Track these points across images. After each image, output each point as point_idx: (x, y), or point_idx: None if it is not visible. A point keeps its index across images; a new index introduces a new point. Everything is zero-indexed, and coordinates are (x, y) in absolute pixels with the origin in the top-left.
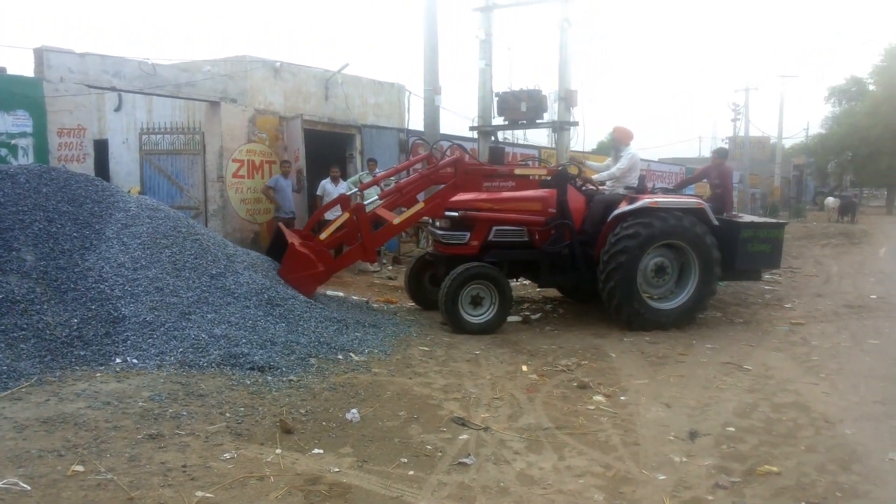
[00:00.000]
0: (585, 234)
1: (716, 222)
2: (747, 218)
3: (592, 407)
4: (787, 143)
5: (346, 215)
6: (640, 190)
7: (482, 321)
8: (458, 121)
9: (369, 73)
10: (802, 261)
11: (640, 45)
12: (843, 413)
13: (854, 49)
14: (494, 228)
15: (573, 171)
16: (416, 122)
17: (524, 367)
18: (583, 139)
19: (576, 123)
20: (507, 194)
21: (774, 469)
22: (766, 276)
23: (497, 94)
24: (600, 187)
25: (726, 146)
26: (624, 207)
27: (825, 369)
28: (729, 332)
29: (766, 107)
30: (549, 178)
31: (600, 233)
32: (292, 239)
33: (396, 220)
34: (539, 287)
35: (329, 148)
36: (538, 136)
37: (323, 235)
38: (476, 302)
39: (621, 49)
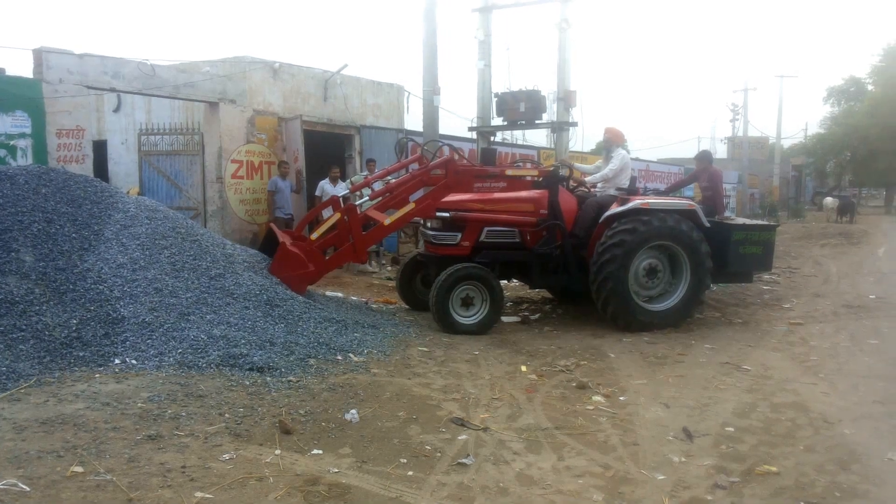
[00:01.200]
0: (577, 236)
1: (707, 224)
2: (739, 220)
3: (591, 407)
4: (786, 144)
5: (338, 216)
6: (632, 191)
7: (473, 322)
8: (457, 121)
9: (368, 74)
10: (801, 261)
11: (639, 45)
12: (842, 413)
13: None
14: (486, 229)
15: (565, 172)
16: (415, 122)
17: (523, 368)
18: (581, 140)
19: (575, 124)
20: (498, 195)
21: (773, 469)
22: (766, 277)
23: (496, 95)
24: (592, 189)
25: (709, 150)
26: (615, 209)
27: (824, 369)
28: (728, 332)
29: (764, 107)
30: (540, 179)
31: (592, 234)
32: (283, 238)
33: (387, 221)
34: (530, 288)
35: (328, 148)
36: (537, 137)
37: (314, 235)
38: (467, 303)
39: (619, 49)
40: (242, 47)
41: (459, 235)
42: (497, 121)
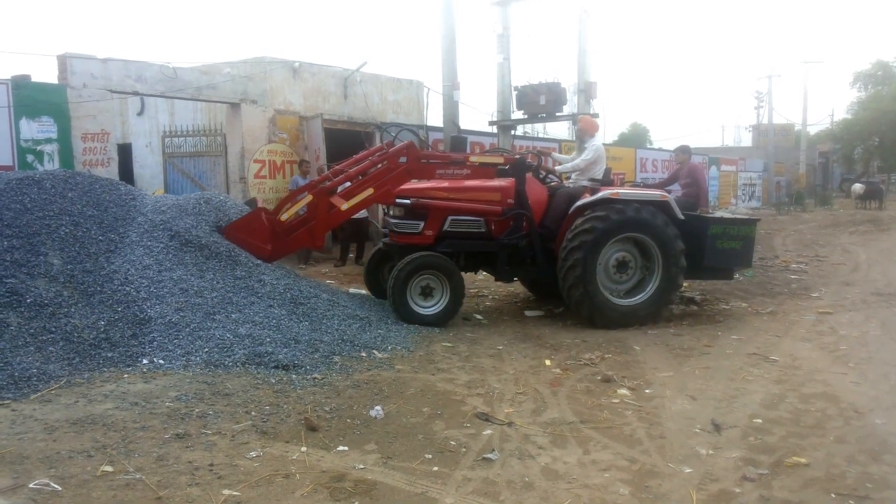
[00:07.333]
0: (547, 227)
1: (681, 216)
2: (717, 214)
3: (617, 400)
4: (812, 130)
5: (309, 198)
6: (605, 182)
7: (432, 313)
8: (477, 116)
9: (388, 71)
10: (829, 249)
11: (660, 33)
12: (873, 403)
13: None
14: (450, 218)
15: (532, 160)
16: (435, 118)
17: (547, 362)
18: (603, 131)
19: (596, 115)
20: (465, 183)
21: (803, 461)
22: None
23: (516, 88)
24: (565, 180)
25: (687, 144)
26: (585, 199)
27: (854, 359)
28: (755, 322)
29: (789, 94)
30: (506, 166)
31: (562, 226)
32: (261, 207)
33: (344, 206)
34: (497, 280)
35: (349, 146)
36: (558, 130)
37: (284, 216)
38: (426, 293)
39: (640, 38)
40: (262, 48)
41: (422, 224)
42: (517, 114)
